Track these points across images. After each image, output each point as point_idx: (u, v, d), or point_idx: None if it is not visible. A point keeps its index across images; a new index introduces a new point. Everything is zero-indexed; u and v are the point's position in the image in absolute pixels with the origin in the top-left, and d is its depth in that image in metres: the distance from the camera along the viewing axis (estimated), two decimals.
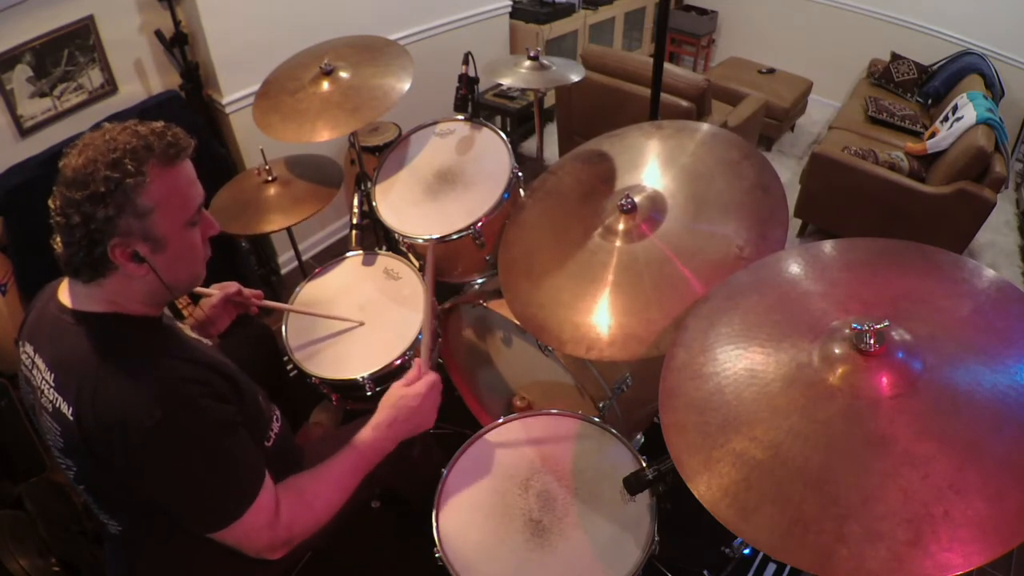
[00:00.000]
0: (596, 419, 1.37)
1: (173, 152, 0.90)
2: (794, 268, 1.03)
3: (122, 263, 0.88)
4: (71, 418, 0.88)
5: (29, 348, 0.97)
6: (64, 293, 0.96)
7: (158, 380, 0.88)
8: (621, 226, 1.30)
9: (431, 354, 1.28)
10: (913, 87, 3.85)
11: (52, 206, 0.87)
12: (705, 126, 1.42)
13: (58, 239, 0.88)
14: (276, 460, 1.04)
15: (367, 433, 1.15)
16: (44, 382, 0.92)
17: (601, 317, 1.21)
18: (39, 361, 0.94)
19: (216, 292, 1.39)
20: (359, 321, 1.60)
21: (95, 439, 0.87)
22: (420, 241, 1.60)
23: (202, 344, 1.10)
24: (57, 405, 0.90)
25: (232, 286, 1.41)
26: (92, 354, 0.90)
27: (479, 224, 1.55)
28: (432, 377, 1.23)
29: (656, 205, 1.31)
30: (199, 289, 1.36)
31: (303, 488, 1.06)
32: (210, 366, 0.98)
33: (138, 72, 2.17)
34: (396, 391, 1.21)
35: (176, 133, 0.93)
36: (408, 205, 1.67)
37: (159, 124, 0.92)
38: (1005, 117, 2.99)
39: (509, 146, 1.68)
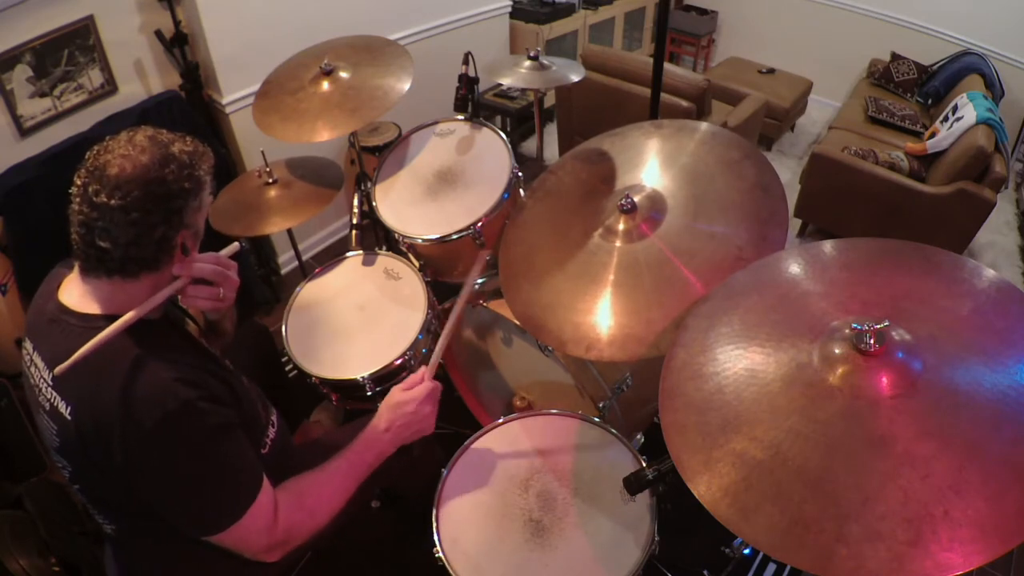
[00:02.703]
0: (596, 419, 1.37)
1: (208, 157, 0.99)
2: (794, 268, 1.03)
3: (177, 254, 0.94)
4: (69, 417, 0.88)
5: (29, 345, 0.97)
6: (65, 292, 0.95)
7: (156, 382, 0.88)
8: (621, 226, 1.30)
9: (437, 365, 1.28)
10: (913, 87, 3.85)
11: (112, 203, 0.86)
12: (705, 125, 1.42)
13: (105, 238, 0.87)
14: (273, 467, 1.04)
15: (365, 436, 1.15)
16: (42, 380, 0.92)
17: (601, 317, 1.21)
18: (37, 359, 0.94)
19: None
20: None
21: (92, 440, 0.87)
22: (420, 241, 1.60)
23: (203, 347, 1.09)
24: (55, 404, 0.90)
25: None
26: (92, 355, 0.89)
27: (479, 224, 1.55)
28: (432, 385, 1.22)
29: (656, 205, 1.31)
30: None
31: (301, 491, 1.06)
32: (209, 369, 0.98)
33: (138, 72, 2.17)
34: (395, 395, 1.20)
35: (195, 141, 0.99)
36: (408, 205, 1.67)
37: (177, 134, 0.97)
38: (1005, 117, 2.99)
39: (509, 146, 1.68)
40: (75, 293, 0.95)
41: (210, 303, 1.05)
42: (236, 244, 1.14)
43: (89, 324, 0.92)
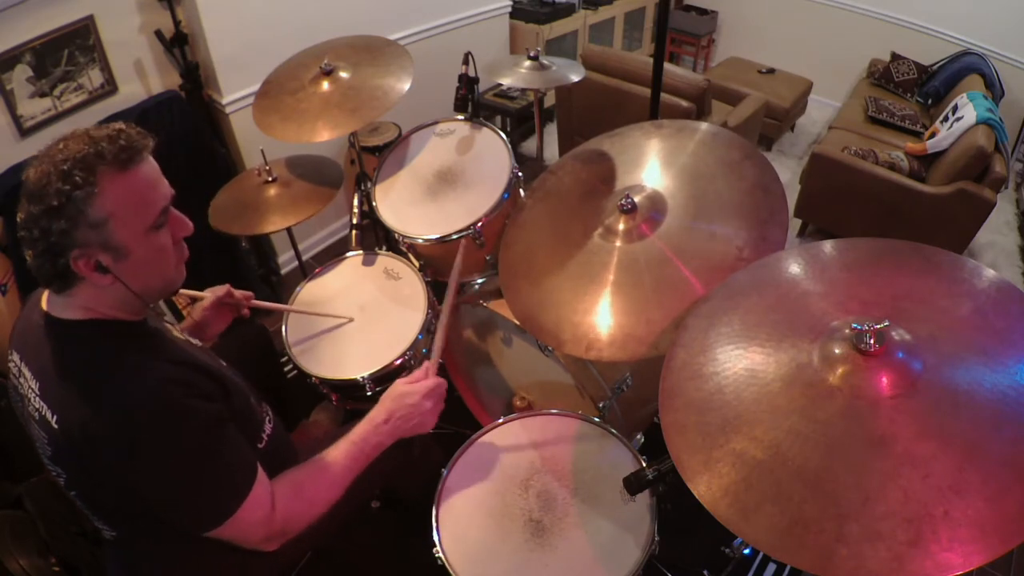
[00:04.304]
0: (596, 419, 1.37)
1: (125, 156, 0.86)
2: (794, 268, 1.03)
3: (86, 273, 0.86)
4: (56, 426, 0.88)
5: (16, 357, 0.96)
6: (46, 301, 0.95)
7: (141, 385, 0.87)
8: (621, 226, 1.30)
9: (439, 359, 1.27)
10: (913, 87, 3.85)
11: (17, 220, 0.85)
12: (705, 125, 1.42)
13: (28, 251, 0.87)
14: (270, 462, 1.04)
15: (364, 426, 1.15)
16: (30, 390, 0.92)
17: (601, 317, 1.21)
18: (25, 370, 0.94)
19: (207, 295, 1.38)
20: (348, 317, 1.61)
21: (82, 446, 0.87)
22: (420, 241, 1.60)
23: (190, 345, 1.08)
24: (43, 413, 0.90)
25: (222, 288, 1.40)
26: (74, 362, 0.89)
27: (479, 224, 1.55)
28: (437, 381, 1.21)
29: (656, 205, 1.31)
30: (191, 292, 1.36)
31: (299, 481, 1.06)
32: (195, 366, 0.97)
33: (138, 72, 2.17)
34: (398, 387, 1.19)
35: (130, 135, 0.88)
36: (408, 205, 1.67)
37: (114, 127, 0.88)
38: (1005, 117, 2.98)
39: (509, 146, 1.68)
40: (48, 300, 0.95)
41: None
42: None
43: (68, 331, 0.91)
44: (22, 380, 0.94)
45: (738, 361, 0.92)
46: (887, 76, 3.93)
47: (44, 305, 0.94)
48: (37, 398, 0.91)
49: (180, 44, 2.18)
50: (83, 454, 0.87)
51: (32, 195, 0.83)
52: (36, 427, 0.93)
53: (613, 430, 1.33)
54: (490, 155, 1.70)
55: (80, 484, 0.96)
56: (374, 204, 1.69)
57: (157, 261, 0.93)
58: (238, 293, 1.42)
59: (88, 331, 0.91)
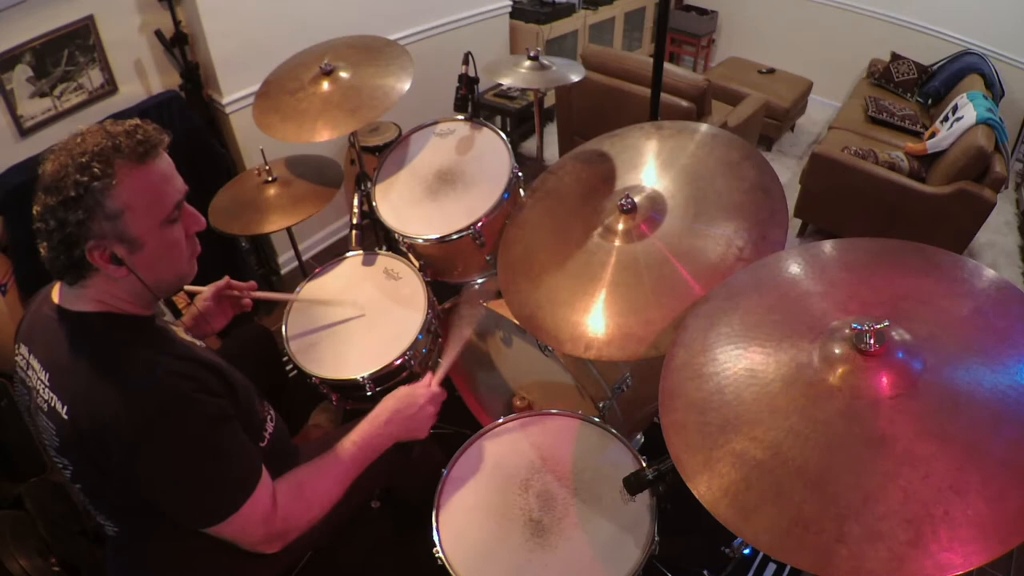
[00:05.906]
0: (596, 419, 1.37)
1: (142, 150, 0.89)
2: (794, 268, 1.03)
3: (101, 265, 0.88)
4: (66, 416, 0.89)
5: (24, 350, 0.97)
6: (57, 294, 0.96)
7: (149, 377, 0.88)
8: (621, 226, 1.30)
9: (445, 372, 1.31)
10: (913, 87, 3.85)
11: (34, 212, 0.87)
12: (705, 126, 1.42)
13: (43, 244, 0.89)
14: (272, 461, 1.04)
15: (365, 427, 1.16)
16: (39, 382, 0.93)
17: (600, 317, 1.21)
18: (34, 361, 0.94)
19: (208, 289, 1.39)
20: (359, 311, 1.61)
21: (89, 437, 0.87)
22: (420, 241, 1.60)
23: (194, 344, 1.09)
24: (52, 404, 0.90)
25: (222, 281, 1.40)
26: (84, 353, 0.90)
27: (479, 224, 1.55)
28: (438, 391, 1.26)
29: (656, 205, 1.31)
30: (191, 288, 1.36)
31: (300, 482, 1.06)
32: (202, 363, 0.98)
33: (138, 72, 2.17)
34: (403, 390, 1.23)
35: (147, 131, 0.91)
36: (408, 205, 1.67)
37: (131, 122, 0.91)
38: (1005, 117, 2.99)
39: (509, 146, 1.68)
40: (59, 295, 0.96)
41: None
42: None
43: (79, 322, 0.92)
44: (30, 372, 0.95)
45: (738, 361, 0.92)
46: (887, 76, 3.93)
47: (56, 298, 0.95)
48: (46, 389, 0.91)
49: (180, 44, 2.18)
50: (91, 445, 0.88)
51: (49, 187, 0.85)
52: (44, 418, 0.93)
53: (613, 430, 1.33)
54: (490, 155, 1.70)
55: (86, 476, 0.96)
56: (374, 204, 1.69)
57: (170, 254, 0.95)
58: (240, 284, 1.42)
59: (100, 323, 0.92)
